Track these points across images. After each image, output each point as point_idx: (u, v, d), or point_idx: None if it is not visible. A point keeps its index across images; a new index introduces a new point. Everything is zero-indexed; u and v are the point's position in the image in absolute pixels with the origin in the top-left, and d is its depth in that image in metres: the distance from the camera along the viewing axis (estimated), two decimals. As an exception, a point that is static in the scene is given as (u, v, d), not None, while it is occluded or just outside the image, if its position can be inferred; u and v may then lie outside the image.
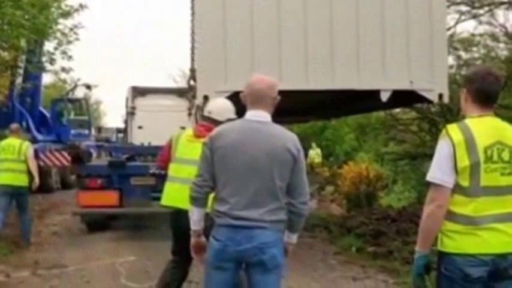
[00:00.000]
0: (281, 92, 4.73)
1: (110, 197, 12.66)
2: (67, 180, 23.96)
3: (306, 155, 26.99)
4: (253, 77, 4.75)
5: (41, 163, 18.49)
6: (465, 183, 3.93)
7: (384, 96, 10.00)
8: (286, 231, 4.71)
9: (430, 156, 4.23)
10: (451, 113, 19.72)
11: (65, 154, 20.66)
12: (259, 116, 4.58)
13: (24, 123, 21.36)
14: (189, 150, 6.54)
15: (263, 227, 4.45)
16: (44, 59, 20.39)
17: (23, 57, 20.76)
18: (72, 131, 25.39)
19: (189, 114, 15.73)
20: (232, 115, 6.49)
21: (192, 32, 11.26)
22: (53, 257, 10.84)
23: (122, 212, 13.34)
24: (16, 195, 11.82)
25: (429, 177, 4.04)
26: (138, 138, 16.54)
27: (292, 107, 12.83)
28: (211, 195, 4.71)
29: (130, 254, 10.89)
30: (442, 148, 4.01)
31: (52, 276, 9.37)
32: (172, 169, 6.86)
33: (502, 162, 3.97)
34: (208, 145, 4.60)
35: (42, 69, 21.02)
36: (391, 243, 11.04)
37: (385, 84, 9.98)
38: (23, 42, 18.61)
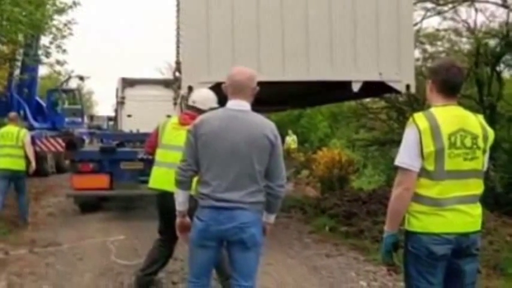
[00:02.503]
0: (260, 83, 4.70)
1: (101, 180, 12.62)
2: (61, 165, 23.78)
3: (283, 141, 26.99)
4: (234, 69, 4.72)
5: (38, 149, 18.47)
6: (430, 167, 3.92)
7: (355, 87, 10.00)
8: (264, 212, 4.70)
9: (398, 143, 4.22)
10: (418, 103, 19.86)
11: (60, 140, 20.75)
12: (239, 105, 4.55)
13: (21, 112, 21.27)
14: (175, 137, 6.51)
15: (243, 208, 4.45)
16: (40, 52, 20.30)
17: (21, 50, 20.77)
18: (66, 119, 25.27)
19: (175, 104, 15.75)
20: (215, 104, 6.46)
21: (178, 28, 11.22)
22: (48, 236, 10.76)
23: (112, 194, 13.29)
24: (14, 178, 11.77)
25: (397, 162, 4.02)
26: (127, 125, 16.43)
27: (270, 97, 12.79)
28: (195, 179, 4.69)
29: (120, 233, 10.83)
30: (409, 135, 3.99)
31: (48, 254, 9.30)
32: (159, 154, 6.83)
33: (465, 148, 3.96)
34: (193, 132, 4.58)
35: (39, 61, 20.92)
36: (362, 223, 11.04)
37: (356, 76, 9.97)
38: (20, 37, 18.54)
